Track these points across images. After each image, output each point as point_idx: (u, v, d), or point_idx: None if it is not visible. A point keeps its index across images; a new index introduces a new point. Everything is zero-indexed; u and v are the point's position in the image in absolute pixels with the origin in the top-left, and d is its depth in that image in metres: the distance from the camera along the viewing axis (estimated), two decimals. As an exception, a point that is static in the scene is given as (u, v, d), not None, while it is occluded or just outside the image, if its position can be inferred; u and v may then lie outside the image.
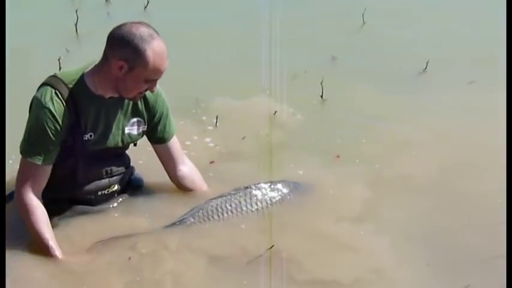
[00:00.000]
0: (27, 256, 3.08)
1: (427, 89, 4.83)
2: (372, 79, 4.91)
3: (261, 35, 4.92)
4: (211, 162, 3.85)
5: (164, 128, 3.41)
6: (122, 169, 3.39)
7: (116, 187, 3.38)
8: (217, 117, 4.29)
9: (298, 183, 3.56)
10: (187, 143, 3.96)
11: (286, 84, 4.63)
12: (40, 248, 3.08)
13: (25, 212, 3.11)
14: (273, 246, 3.10)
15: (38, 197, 3.12)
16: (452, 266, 3.13)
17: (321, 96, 4.64)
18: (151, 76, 3.07)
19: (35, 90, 3.16)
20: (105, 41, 3.08)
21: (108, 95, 3.17)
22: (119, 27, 3.07)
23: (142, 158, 3.62)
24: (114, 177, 3.36)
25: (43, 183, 3.14)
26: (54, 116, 3.08)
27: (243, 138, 4.12)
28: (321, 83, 4.63)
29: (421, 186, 3.68)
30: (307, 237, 3.25)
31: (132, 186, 3.51)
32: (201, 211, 3.33)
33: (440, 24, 5.75)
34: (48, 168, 3.14)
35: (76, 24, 5.50)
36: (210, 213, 3.32)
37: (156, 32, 3.07)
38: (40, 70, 4.51)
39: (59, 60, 4.71)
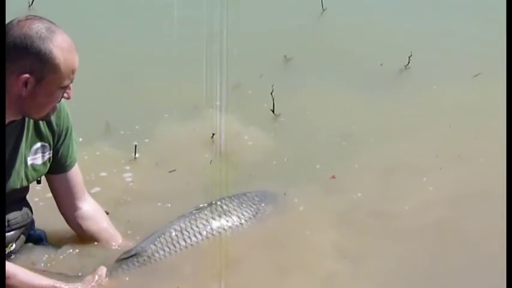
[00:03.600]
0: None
1: (410, 89, 4.87)
2: (338, 82, 4.92)
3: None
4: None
5: (67, 151, 3.23)
6: (22, 220, 3.22)
7: (14, 246, 3.20)
8: (136, 146, 4.13)
9: (266, 191, 3.60)
10: (103, 174, 3.94)
11: (227, 96, 4.67)
12: None
13: None
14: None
15: None
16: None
17: (273, 111, 4.55)
18: (66, 79, 2.92)
19: None
20: None
21: (7, 120, 2.97)
22: (6, 33, 2.88)
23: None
24: (12, 233, 3.18)
25: None
26: None
27: (171, 172, 4.02)
28: (271, 93, 4.53)
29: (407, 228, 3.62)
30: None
31: (32, 245, 3.32)
32: (162, 237, 3.25)
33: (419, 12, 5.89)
34: None
35: None
36: (174, 238, 3.26)
37: (52, 22, 2.92)
38: None
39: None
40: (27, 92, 2.90)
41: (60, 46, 2.89)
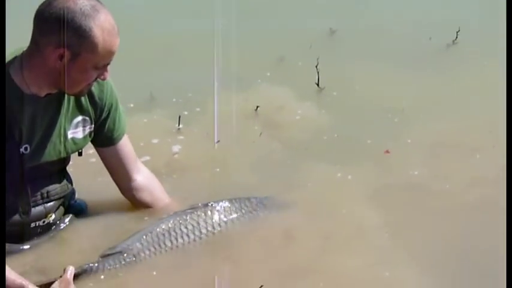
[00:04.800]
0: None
1: (460, 64, 4.74)
2: (384, 57, 4.80)
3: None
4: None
5: (113, 124, 3.23)
6: (62, 191, 3.20)
7: (53, 216, 3.18)
8: (179, 117, 4.10)
9: (267, 197, 3.43)
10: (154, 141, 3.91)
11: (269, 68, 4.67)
12: None
13: None
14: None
15: None
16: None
17: (317, 85, 4.48)
18: (102, 60, 2.89)
19: None
20: (32, 22, 2.87)
21: (43, 92, 2.97)
22: (49, 3, 2.83)
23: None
24: (52, 203, 3.16)
25: None
26: None
27: (218, 142, 3.96)
28: (316, 67, 4.46)
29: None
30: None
31: (72, 214, 3.32)
32: (149, 235, 3.16)
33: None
34: None
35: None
36: (161, 238, 3.17)
37: (100, 2, 2.88)
38: None
39: None
40: (62, 66, 2.88)
41: (102, 26, 2.84)
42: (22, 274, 2.99)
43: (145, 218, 3.31)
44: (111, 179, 3.36)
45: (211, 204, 3.30)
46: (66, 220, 3.29)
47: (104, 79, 2.99)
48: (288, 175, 3.71)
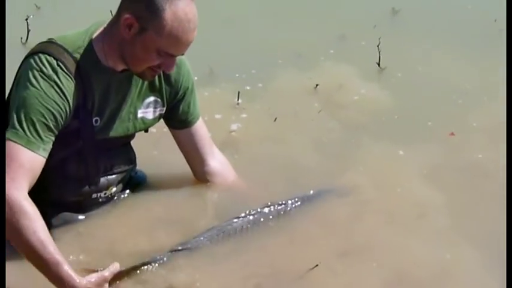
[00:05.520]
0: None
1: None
2: (448, 38, 4.75)
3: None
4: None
5: (188, 107, 3.22)
6: (124, 166, 3.21)
7: (114, 189, 3.19)
8: (238, 93, 4.09)
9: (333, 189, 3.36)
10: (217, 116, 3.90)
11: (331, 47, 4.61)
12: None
13: (17, 215, 2.72)
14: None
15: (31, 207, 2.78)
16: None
17: (378, 64, 4.45)
18: (166, 48, 2.83)
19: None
20: None
21: (119, 67, 2.95)
22: None
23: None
24: (114, 176, 3.17)
25: (35, 179, 2.86)
26: (63, 94, 2.84)
27: (275, 120, 3.94)
28: (378, 46, 4.43)
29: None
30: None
31: (132, 187, 3.32)
32: (221, 234, 3.10)
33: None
34: (44, 161, 2.87)
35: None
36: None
37: None
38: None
39: (26, 20, 4.55)
40: (129, 37, 2.85)
41: (175, 12, 2.79)
42: (71, 244, 3.01)
43: (202, 194, 3.31)
44: (168, 152, 3.39)
45: (283, 203, 3.23)
46: (126, 193, 3.29)
47: (167, 71, 2.96)
48: (345, 154, 3.66)
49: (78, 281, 2.71)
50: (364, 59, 4.47)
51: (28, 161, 2.81)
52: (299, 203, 3.25)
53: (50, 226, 2.95)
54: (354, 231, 3.15)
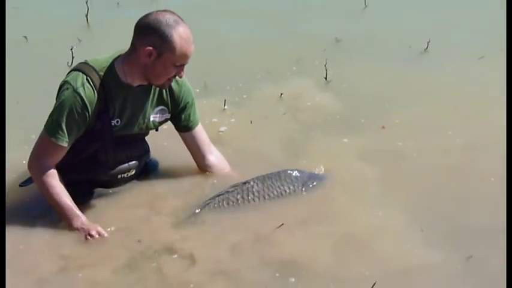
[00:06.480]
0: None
1: (432, 67, 4.61)
2: (376, 59, 4.72)
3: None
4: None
5: (189, 116, 3.23)
6: (141, 154, 3.24)
7: (134, 171, 3.21)
8: (225, 100, 4.05)
9: (314, 173, 3.27)
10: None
11: (293, 66, 4.60)
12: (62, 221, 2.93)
13: (45, 186, 2.95)
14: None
15: (54, 174, 2.97)
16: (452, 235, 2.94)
17: (325, 78, 4.40)
18: (179, 61, 2.92)
19: (49, 79, 2.96)
20: (133, 30, 2.94)
21: (136, 83, 3.02)
22: (145, 16, 2.93)
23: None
24: (134, 162, 3.19)
25: (57, 162, 3.00)
26: (84, 103, 2.93)
27: (251, 122, 3.90)
28: (325, 65, 4.39)
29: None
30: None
31: (147, 170, 3.33)
32: (238, 189, 3.09)
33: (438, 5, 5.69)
34: (66, 150, 2.99)
35: (87, 15, 5.38)
36: (261, 189, 3.10)
37: (181, 18, 2.93)
38: (53, 59, 4.42)
39: (71, 49, 4.53)
40: (150, 62, 2.93)
41: (180, 35, 2.89)
42: (104, 209, 3.08)
43: (203, 180, 3.29)
44: (175, 143, 3.34)
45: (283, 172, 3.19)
46: (143, 175, 3.30)
47: (181, 77, 3.01)
48: (304, 145, 3.67)
49: (78, 213, 2.95)
50: (317, 74, 4.42)
51: (54, 150, 2.97)
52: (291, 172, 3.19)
53: (88, 198, 3.15)
54: (311, 202, 3.15)
